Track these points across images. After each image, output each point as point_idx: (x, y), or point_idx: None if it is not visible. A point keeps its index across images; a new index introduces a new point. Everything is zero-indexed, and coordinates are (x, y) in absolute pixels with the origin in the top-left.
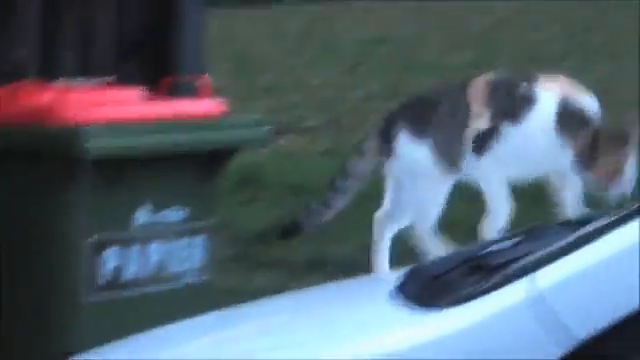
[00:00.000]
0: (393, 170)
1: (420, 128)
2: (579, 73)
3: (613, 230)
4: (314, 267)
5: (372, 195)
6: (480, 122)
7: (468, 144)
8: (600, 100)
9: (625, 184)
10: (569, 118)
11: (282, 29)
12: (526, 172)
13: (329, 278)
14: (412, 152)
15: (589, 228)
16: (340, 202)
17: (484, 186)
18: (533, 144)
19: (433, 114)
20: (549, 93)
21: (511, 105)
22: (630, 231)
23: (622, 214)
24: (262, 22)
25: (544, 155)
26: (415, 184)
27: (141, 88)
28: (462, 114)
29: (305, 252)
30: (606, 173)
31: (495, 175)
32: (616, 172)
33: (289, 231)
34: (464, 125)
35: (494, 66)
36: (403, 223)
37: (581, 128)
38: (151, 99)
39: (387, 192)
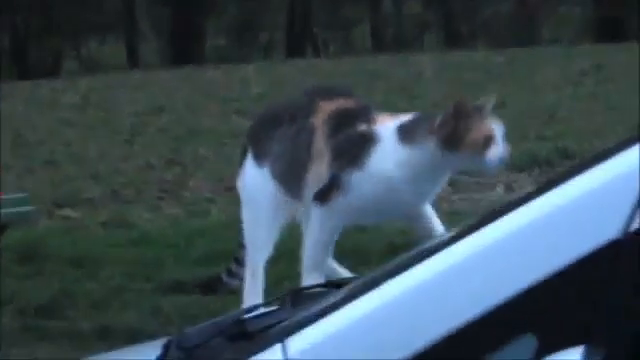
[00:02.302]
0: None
1: (262, 148)
2: None
3: (365, 293)
4: (100, 336)
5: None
6: (320, 164)
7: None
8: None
9: (499, 150)
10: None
11: (60, 102)
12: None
13: (114, 347)
14: (253, 176)
15: (343, 292)
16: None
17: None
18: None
19: (275, 134)
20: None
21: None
22: (379, 295)
23: (374, 277)
24: (39, 95)
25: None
26: (254, 210)
27: None
28: (304, 142)
29: (91, 322)
30: (476, 146)
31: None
32: (486, 141)
33: (209, 285)
34: (306, 156)
35: None
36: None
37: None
38: None
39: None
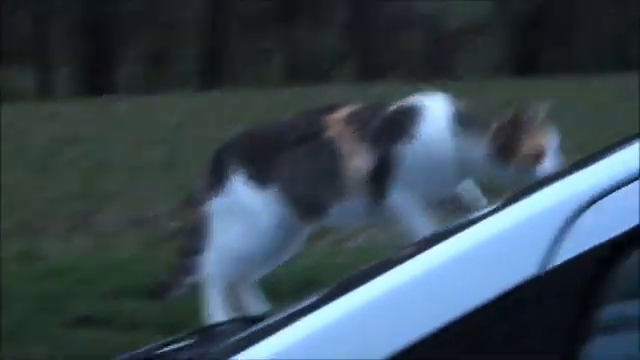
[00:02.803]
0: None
1: (263, 172)
2: None
3: (286, 326)
4: None
5: None
6: (359, 159)
7: (343, 188)
8: None
9: (550, 164)
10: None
11: None
12: (443, 190)
13: None
14: (251, 197)
15: (260, 326)
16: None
17: (406, 222)
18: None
19: (276, 158)
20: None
21: (398, 126)
22: (297, 330)
23: (300, 309)
24: None
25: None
26: (250, 228)
27: None
28: (328, 154)
29: None
30: (529, 160)
31: (413, 206)
32: (538, 154)
33: (158, 291)
34: (333, 167)
35: (187, 161)
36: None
37: (487, 125)
38: None
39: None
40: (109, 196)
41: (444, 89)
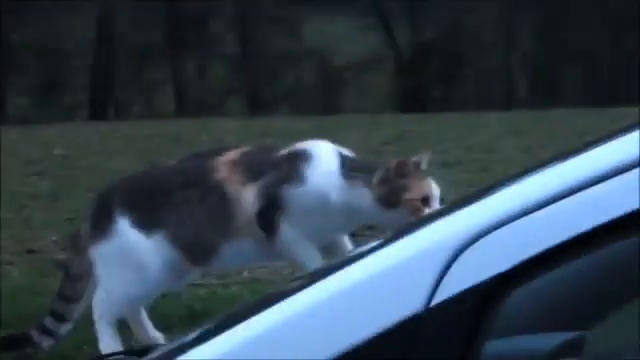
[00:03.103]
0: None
1: (149, 216)
2: None
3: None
4: None
5: None
6: (247, 200)
7: (232, 230)
8: None
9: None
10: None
11: None
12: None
13: None
14: (135, 242)
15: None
16: (76, 311)
17: (295, 259)
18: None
19: (162, 203)
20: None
21: (289, 169)
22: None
23: (187, 342)
24: None
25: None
26: (135, 272)
27: None
28: (216, 197)
29: None
30: (414, 206)
31: (301, 244)
32: (424, 201)
33: (17, 342)
34: (222, 210)
35: (73, 194)
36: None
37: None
38: None
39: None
40: None
41: (332, 123)
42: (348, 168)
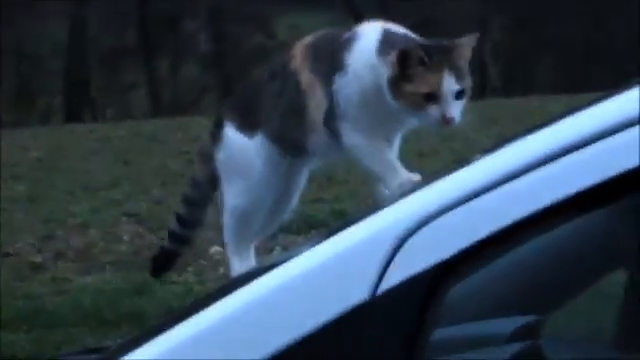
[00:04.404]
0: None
1: (249, 118)
2: (132, 196)
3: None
4: None
5: None
6: (316, 96)
7: (312, 123)
8: None
9: (440, 110)
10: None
11: None
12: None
13: None
14: (241, 148)
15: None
16: (202, 214)
17: (363, 159)
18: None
19: (259, 101)
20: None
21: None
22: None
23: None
24: None
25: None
26: (245, 179)
27: None
28: (291, 87)
29: None
30: (414, 102)
31: (369, 142)
32: (427, 98)
33: (162, 264)
34: (297, 101)
35: (50, 196)
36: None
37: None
38: None
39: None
40: None
41: None
42: (388, 45)
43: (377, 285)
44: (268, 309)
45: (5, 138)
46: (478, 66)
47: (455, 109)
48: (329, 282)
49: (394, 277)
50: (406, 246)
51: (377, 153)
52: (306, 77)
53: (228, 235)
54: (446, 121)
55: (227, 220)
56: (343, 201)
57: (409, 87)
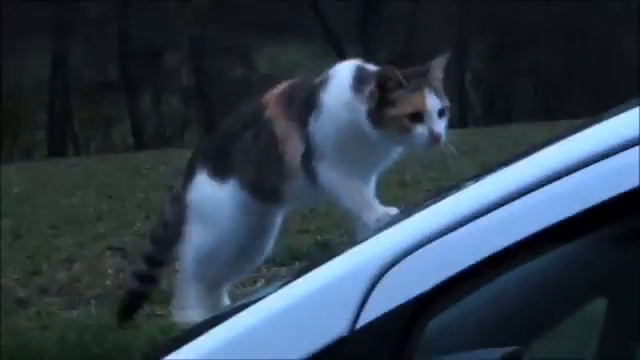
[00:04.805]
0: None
1: (222, 165)
2: (116, 230)
3: None
4: None
5: None
6: (292, 141)
7: (289, 168)
8: None
9: (428, 128)
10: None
11: None
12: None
13: None
14: (213, 194)
15: None
16: (169, 253)
17: (339, 197)
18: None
19: (232, 149)
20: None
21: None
22: None
23: None
24: None
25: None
26: (215, 225)
27: None
28: (268, 137)
29: None
30: (400, 124)
31: (345, 180)
32: (413, 118)
33: (131, 307)
34: (275, 150)
35: (34, 231)
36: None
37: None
38: None
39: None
40: None
41: None
42: (361, 81)
43: (356, 319)
44: (247, 346)
45: None
46: (459, 95)
47: (440, 126)
48: (308, 317)
49: (373, 311)
50: (385, 279)
51: (353, 191)
52: (281, 124)
53: (189, 269)
54: (434, 138)
55: (187, 258)
56: (327, 232)
57: (392, 111)
